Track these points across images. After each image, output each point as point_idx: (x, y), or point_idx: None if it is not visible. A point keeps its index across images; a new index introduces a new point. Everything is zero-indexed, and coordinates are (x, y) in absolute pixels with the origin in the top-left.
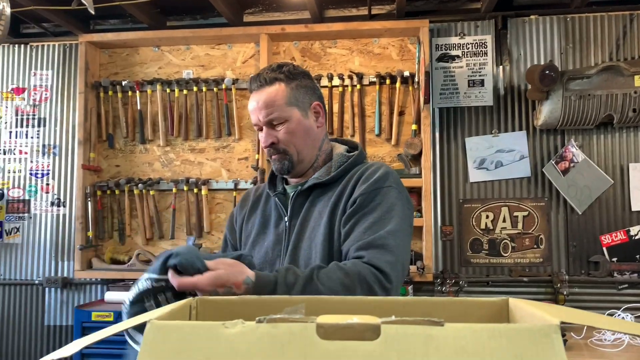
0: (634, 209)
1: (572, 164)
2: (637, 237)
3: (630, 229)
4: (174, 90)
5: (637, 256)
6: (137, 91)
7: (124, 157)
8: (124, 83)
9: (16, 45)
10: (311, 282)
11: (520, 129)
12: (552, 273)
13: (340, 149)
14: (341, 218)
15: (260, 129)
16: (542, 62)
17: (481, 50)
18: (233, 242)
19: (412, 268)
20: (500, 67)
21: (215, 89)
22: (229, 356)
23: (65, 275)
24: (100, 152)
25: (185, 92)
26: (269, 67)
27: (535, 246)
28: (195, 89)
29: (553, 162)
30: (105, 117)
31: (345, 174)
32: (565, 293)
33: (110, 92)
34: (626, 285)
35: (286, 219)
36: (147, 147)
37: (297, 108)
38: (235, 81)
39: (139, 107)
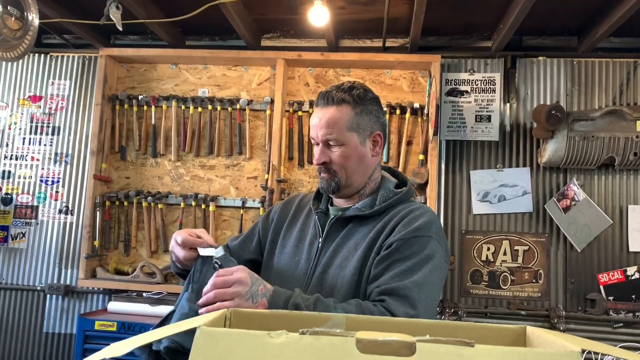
0: (631, 249)
1: (573, 202)
2: (633, 278)
3: (627, 269)
4: (188, 107)
5: (633, 296)
6: (153, 106)
7: (135, 170)
8: (140, 97)
9: (36, 55)
10: (326, 307)
11: (524, 165)
12: (549, 308)
13: (389, 182)
14: (375, 257)
15: (317, 144)
16: (548, 102)
17: (490, 87)
18: (262, 235)
19: None
20: (508, 104)
21: (229, 109)
22: None
23: (67, 283)
24: (112, 163)
25: (200, 109)
26: (340, 86)
27: (534, 280)
28: (210, 107)
29: (555, 199)
30: (119, 130)
31: (388, 209)
32: (561, 328)
33: (126, 106)
34: (621, 325)
35: (320, 239)
36: (158, 161)
37: (356, 134)
38: (249, 102)
39: (153, 122)
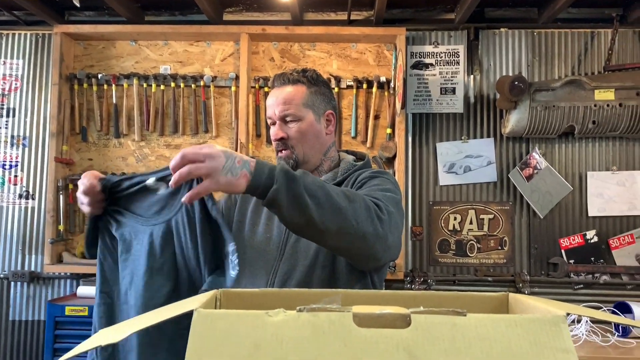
0: (590, 214)
1: (535, 171)
2: (592, 241)
3: (587, 233)
4: (151, 85)
5: (592, 258)
6: (113, 85)
7: (98, 151)
8: (99, 76)
9: None
10: (317, 181)
11: (488, 136)
12: (514, 273)
13: (347, 157)
14: None
15: (273, 123)
16: (511, 73)
17: (454, 60)
18: (226, 215)
19: None
20: (471, 76)
21: (193, 86)
22: (275, 342)
23: (33, 269)
24: (73, 145)
25: (162, 87)
26: (294, 70)
27: (499, 247)
28: (172, 84)
29: (518, 168)
30: (79, 110)
31: (349, 177)
32: (526, 292)
33: (85, 85)
34: (582, 286)
35: None
36: (121, 142)
37: (312, 111)
38: (214, 78)
39: (114, 101)
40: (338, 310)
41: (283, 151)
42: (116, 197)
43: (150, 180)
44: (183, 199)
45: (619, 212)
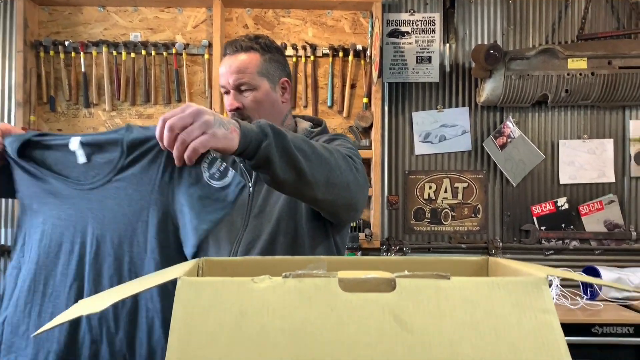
0: (561, 182)
1: (509, 140)
2: (563, 208)
3: (558, 200)
4: (121, 53)
5: (563, 225)
6: (82, 52)
7: (67, 121)
8: (67, 43)
9: None
10: (298, 135)
11: (463, 105)
12: (487, 240)
13: (304, 124)
14: None
15: (227, 92)
16: (486, 42)
17: (429, 28)
18: None
19: (361, 235)
20: (447, 45)
21: (165, 54)
22: (261, 308)
23: (3, 243)
24: (41, 115)
25: (133, 55)
26: (246, 36)
27: (473, 215)
28: (143, 52)
29: (492, 137)
30: (46, 79)
31: None
32: (500, 258)
33: (51, 52)
34: (552, 251)
35: (250, 184)
36: (91, 111)
37: (267, 80)
38: (186, 46)
39: (83, 69)
40: (324, 275)
41: None
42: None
43: (74, 143)
44: (177, 163)
45: (589, 180)
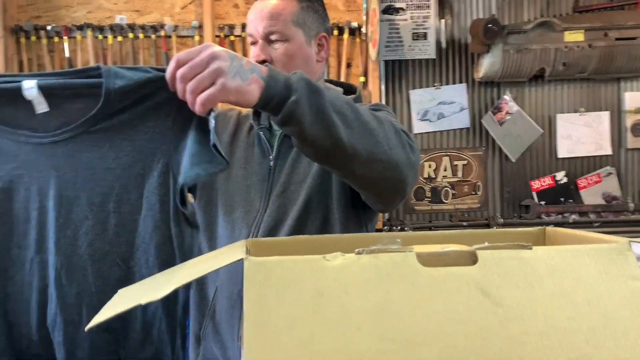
0: (559, 156)
1: (507, 115)
2: (561, 182)
3: (556, 174)
4: (107, 37)
5: (562, 199)
6: (65, 37)
7: None
8: (49, 28)
9: None
10: (341, 96)
11: (461, 82)
12: (488, 217)
13: (337, 90)
14: None
15: (254, 43)
16: (481, 17)
17: (424, 3)
18: None
19: None
20: (442, 20)
21: (153, 36)
22: (338, 287)
23: None
24: None
25: (120, 38)
26: None
27: (473, 192)
28: (131, 35)
29: (491, 113)
30: (29, 65)
31: None
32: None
33: (33, 38)
34: (553, 226)
35: (271, 157)
36: None
37: (302, 31)
38: (175, 28)
39: (67, 55)
40: (399, 250)
41: None
42: None
43: (30, 86)
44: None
45: (586, 153)
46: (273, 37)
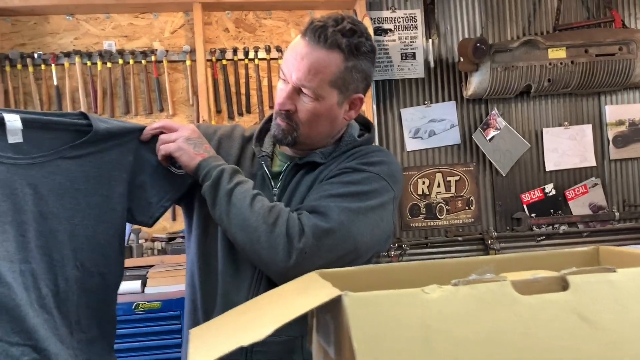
0: (547, 169)
1: (496, 131)
2: (550, 194)
3: (545, 187)
4: (95, 63)
5: (551, 210)
6: (53, 64)
7: None
8: (36, 55)
9: None
10: (230, 197)
11: (450, 100)
12: (482, 231)
13: (353, 129)
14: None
15: (285, 81)
16: (467, 36)
17: (411, 24)
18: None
19: None
20: (430, 40)
21: (143, 62)
22: (443, 319)
23: None
24: None
25: (109, 64)
26: (340, 22)
27: (466, 207)
28: (120, 61)
29: (481, 129)
30: (14, 94)
31: (341, 154)
32: (496, 248)
33: (19, 66)
34: (543, 237)
35: (275, 190)
36: None
37: (337, 92)
38: (166, 53)
39: (55, 83)
40: (494, 280)
41: (285, 122)
42: None
43: (14, 118)
44: (147, 130)
45: (572, 165)
46: (304, 91)
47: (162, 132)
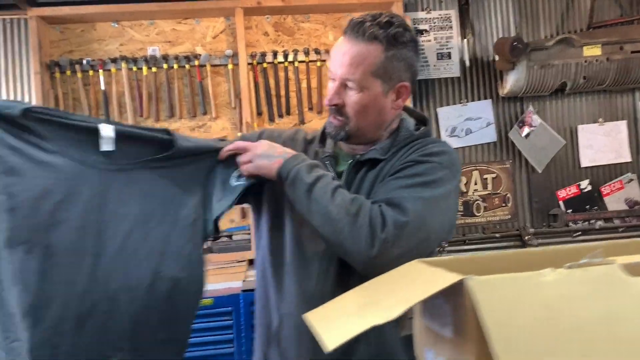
0: (582, 165)
1: (531, 128)
2: (586, 190)
3: (581, 183)
4: (141, 68)
5: (587, 206)
6: (100, 70)
7: None
8: (84, 62)
9: None
10: (310, 192)
11: (486, 98)
12: (519, 227)
13: (407, 122)
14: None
15: (334, 79)
16: (501, 35)
17: (447, 25)
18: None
19: None
20: (465, 40)
21: (187, 66)
22: (561, 299)
23: None
24: None
25: (154, 69)
26: (376, 17)
27: (503, 204)
28: (165, 66)
29: (517, 127)
30: (64, 100)
31: (402, 149)
32: (535, 244)
33: (68, 72)
34: (579, 233)
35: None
36: None
37: (381, 82)
38: (209, 57)
39: (102, 88)
40: (605, 263)
41: (336, 118)
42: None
43: (108, 130)
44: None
45: (607, 161)
46: (349, 84)
47: (236, 153)
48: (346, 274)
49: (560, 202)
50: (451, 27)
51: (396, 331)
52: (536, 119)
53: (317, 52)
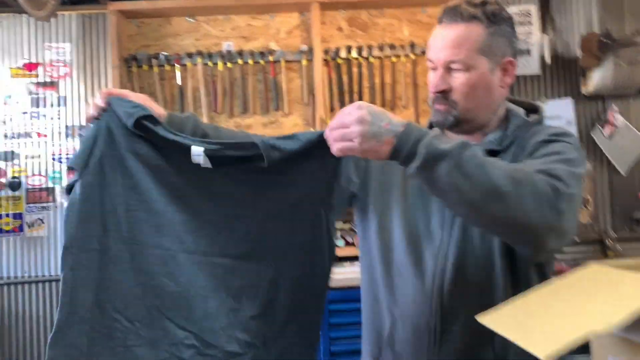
0: None
1: (614, 128)
2: None
3: None
4: (216, 64)
5: None
6: (177, 65)
7: None
8: (161, 56)
9: (23, 16)
10: (460, 168)
11: (566, 96)
12: (600, 231)
13: (517, 111)
14: None
15: (434, 69)
16: (583, 31)
17: (526, 20)
18: (356, 175)
19: None
20: (545, 36)
21: (261, 62)
22: None
23: None
24: None
25: (229, 65)
26: (469, 1)
27: (584, 207)
28: (240, 61)
29: (599, 127)
30: (141, 93)
31: (519, 137)
32: (619, 249)
33: (145, 67)
34: None
35: None
36: None
37: (487, 59)
38: (283, 53)
39: (179, 82)
40: None
41: (441, 105)
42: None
43: (198, 151)
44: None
45: None
46: (454, 66)
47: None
48: (462, 273)
49: None
50: (531, 23)
51: None
52: (619, 119)
53: (392, 47)
